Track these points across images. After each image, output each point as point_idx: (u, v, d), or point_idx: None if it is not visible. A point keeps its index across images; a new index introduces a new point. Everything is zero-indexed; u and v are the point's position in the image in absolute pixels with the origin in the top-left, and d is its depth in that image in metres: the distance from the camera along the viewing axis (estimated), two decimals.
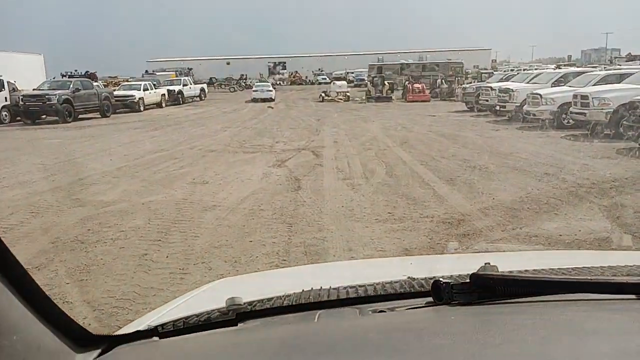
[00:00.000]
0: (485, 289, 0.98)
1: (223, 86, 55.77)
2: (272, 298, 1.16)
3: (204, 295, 1.54)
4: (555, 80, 18.41)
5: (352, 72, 60.68)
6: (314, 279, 1.39)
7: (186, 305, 1.37)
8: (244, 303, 1.09)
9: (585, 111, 13.69)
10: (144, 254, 5.28)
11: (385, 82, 33.58)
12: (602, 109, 13.21)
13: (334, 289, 1.17)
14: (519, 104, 18.17)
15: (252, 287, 1.57)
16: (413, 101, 30.98)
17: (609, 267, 1.25)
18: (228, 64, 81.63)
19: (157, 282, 4.52)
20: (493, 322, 0.91)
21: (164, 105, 30.32)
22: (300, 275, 1.92)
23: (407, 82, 36.17)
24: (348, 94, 34.64)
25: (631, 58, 53.40)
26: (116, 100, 26.58)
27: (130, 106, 27.07)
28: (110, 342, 0.94)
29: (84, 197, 7.97)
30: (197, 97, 34.69)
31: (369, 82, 34.66)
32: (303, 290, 1.17)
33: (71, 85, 22.37)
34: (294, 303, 1.12)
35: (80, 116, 23.46)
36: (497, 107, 19.47)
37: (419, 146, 12.83)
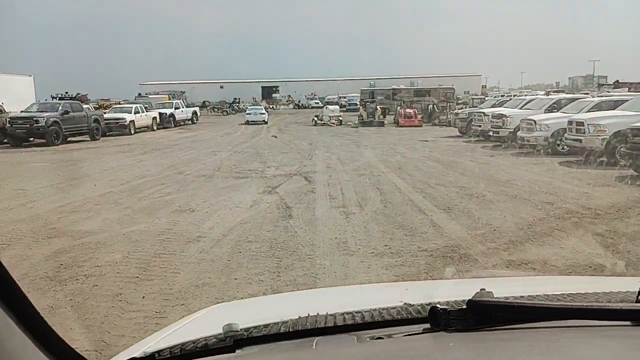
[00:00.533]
0: (482, 316, 0.98)
1: (216, 110, 55.61)
2: (269, 324, 1.14)
3: (200, 321, 1.53)
4: (549, 107, 18.24)
5: (345, 97, 60.88)
6: (310, 304, 1.37)
7: (182, 331, 1.35)
8: (241, 329, 1.07)
9: (581, 137, 13.44)
10: (118, 294, 4.78)
11: (378, 107, 33.50)
12: (598, 135, 12.96)
13: (330, 315, 1.15)
14: (512, 130, 17.96)
15: (248, 313, 1.54)
16: (405, 126, 30.84)
17: (603, 293, 1.24)
18: (221, 87, 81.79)
19: (130, 329, 4.02)
20: (491, 349, 0.92)
21: (155, 128, 29.91)
22: (296, 301, 1.89)
23: (399, 107, 36.13)
24: (340, 118, 34.49)
25: (618, 85, 54.03)
26: (107, 123, 26.15)
27: (121, 129, 26.63)
28: None
29: (61, 227, 7.46)
30: (189, 120, 34.34)
31: (361, 107, 34.58)
32: (300, 316, 1.15)
33: (60, 108, 21.92)
34: (291, 329, 1.10)
35: (70, 139, 23.00)
36: (491, 133, 19.25)
37: (414, 172, 12.46)
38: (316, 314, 1.16)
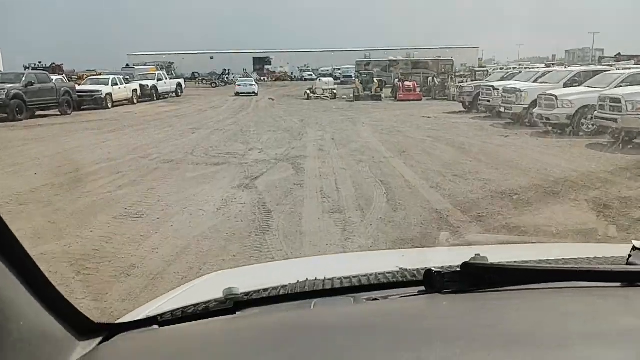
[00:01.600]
0: (476, 278, 1.00)
1: (205, 81, 52.82)
2: (269, 288, 1.14)
3: (201, 287, 1.53)
4: (569, 80, 16.07)
5: (339, 69, 58.11)
6: (309, 270, 1.32)
7: (184, 296, 1.36)
8: (241, 293, 1.07)
9: (617, 117, 11.33)
10: None
11: (375, 80, 31.13)
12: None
13: (328, 279, 1.17)
14: (527, 106, 15.82)
15: (248, 279, 1.56)
16: (404, 100, 28.58)
17: (595, 257, 1.25)
18: (212, 58, 78.55)
19: None
20: (483, 307, 0.96)
21: (135, 101, 27.45)
22: (295, 268, 1.87)
23: (397, 80, 33.73)
24: (335, 91, 32.11)
25: (620, 58, 51.75)
26: (80, 96, 23.72)
27: (97, 102, 24.19)
28: (111, 330, 0.95)
29: None
30: (173, 92, 31.82)
31: (356, 80, 32.17)
32: (298, 280, 1.16)
33: (23, 79, 19.46)
34: (290, 292, 1.11)
35: (38, 113, 20.66)
36: (502, 109, 17.09)
37: (422, 157, 10.36)
38: (315, 278, 1.16)
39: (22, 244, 0.72)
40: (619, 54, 59.00)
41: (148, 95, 29.06)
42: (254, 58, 79.35)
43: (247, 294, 1.10)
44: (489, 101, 18.86)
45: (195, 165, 9.91)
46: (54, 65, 30.19)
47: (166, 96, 31.54)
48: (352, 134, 14.63)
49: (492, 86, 18.82)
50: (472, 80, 30.47)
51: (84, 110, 23.90)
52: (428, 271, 1.03)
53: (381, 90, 31.12)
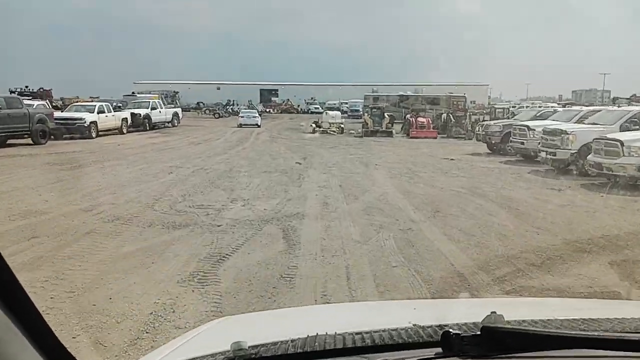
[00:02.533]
0: (496, 342, 0.96)
1: (208, 111, 50.44)
2: (278, 343, 1.08)
3: (207, 336, 1.46)
4: (626, 121, 13.12)
5: (346, 103, 55.68)
6: (318, 322, 1.34)
7: (188, 347, 1.29)
8: (249, 347, 1.03)
9: None
10: None
11: (385, 115, 28.36)
12: None
13: (339, 334, 1.10)
14: (575, 152, 12.84)
15: (255, 329, 1.50)
16: (417, 137, 25.74)
17: (617, 320, 1.19)
18: (218, 89, 76.66)
19: None
20: None
21: (125, 131, 24.74)
22: (304, 317, 1.76)
23: (409, 115, 30.99)
24: (342, 125, 29.38)
25: (635, 99, 49.19)
26: (61, 124, 21.01)
27: (79, 131, 21.47)
28: None
29: None
30: (168, 122, 29.14)
31: (366, 114, 29.43)
32: (308, 335, 1.10)
33: None
34: (300, 350, 1.05)
35: (10, 142, 17.91)
36: (542, 154, 14.09)
37: (467, 224, 7.29)
38: (325, 333, 1.10)
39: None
40: (634, 95, 56.53)
41: (140, 124, 26.36)
42: (260, 90, 77.48)
43: (255, 347, 1.03)
44: (522, 143, 15.89)
45: (146, 227, 6.88)
46: (41, 90, 27.64)
47: (162, 126, 28.87)
48: (364, 180, 11.64)
49: (527, 126, 15.87)
50: (491, 118, 27.73)
51: (65, 139, 21.18)
52: (446, 333, 0.98)
53: (392, 125, 28.35)
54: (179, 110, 30.91)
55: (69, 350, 0.82)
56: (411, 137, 26.01)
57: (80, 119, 21.47)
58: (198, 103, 62.44)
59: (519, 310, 1.49)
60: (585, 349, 0.92)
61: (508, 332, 0.97)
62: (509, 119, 26.74)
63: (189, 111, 57.02)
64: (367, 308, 2.22)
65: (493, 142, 18.61)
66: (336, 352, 1.04)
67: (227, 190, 10.00)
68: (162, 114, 28.23)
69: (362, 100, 49.38)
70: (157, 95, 58.52)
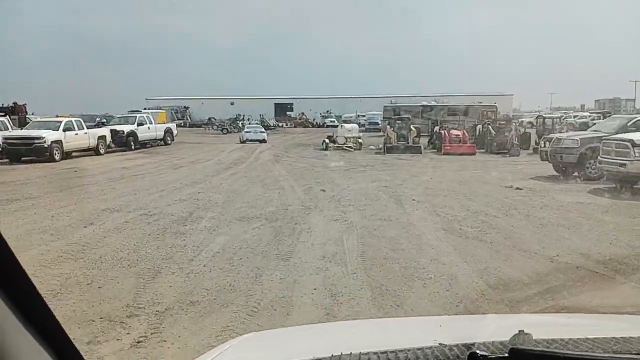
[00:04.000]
0: None
1: (216, 127, 45.99)
2: None
3: (233, 353, 1.42)
4: None
5: (364, 115, 50.66)
6: (341, 339, 1.29)
7: None
8: None
9: None
10: None
11: (412, 127, 23.27)
12: None
13: (364, 354, 1.05)
14: None
15: (278, 346, 1.46)
16: (452, 153, 20.61)
17: None
18: (232, 104, 72.39)
19: None
20: None
21: (102, 151, 20.14)
22: (326, 334, 1.73)
23: (438, 128, 25.87)
24: (360, 140, 24.36)
25: None
26: (15, 144, 16.55)
27: (37, 153, 16.95)
28: None
29: None
30: (160, 140, 24.51)
31: (388, 126, 24.30)
32: (332, 355, 1.05)
33: None
34: None
35: None
36: None
37: None
38: (349, 353, 1.05)
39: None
40: None
41: (123, 143, 21.75)
42: (275, 104, 73.08)
43: None
44: (622, 165, 10.67)
45: None
46: (14, 105, 23.34)
47: (152, 144, 24.27)
48: (402, 236, 6.62)
49: (632, 140, 10.63)
50: (537, 131, 22.45)
51: (24, 162, 16.71)
52: (473, 354, 0.93)
53: (419, 140, 23.28)
54: (172, 125, 26.24)
55: (80, 352, 0.77)
56: (444, 154, 20.88)
57: (39, 137, 16.91)
58: (209, 118, 58.25)
59: (547, 329, 1.36)
60: None
61: (537, 355, 0.89)
62: (561, 131, 21.63)
63: (201, 127, 52.64)
64: (391, 325, 2.07)
65: (565, 161, 13.32)
66: None
67: (147, 274, 5.08)
68: (151, 130, 23.55)
69: (381, 112, 44.51)
70: (163, 112, 54.67)
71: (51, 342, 0.72)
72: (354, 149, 23.15)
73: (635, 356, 0.98)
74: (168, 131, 25.20)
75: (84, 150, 19.43)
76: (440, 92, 73.41)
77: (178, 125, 56.69)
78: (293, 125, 56.11)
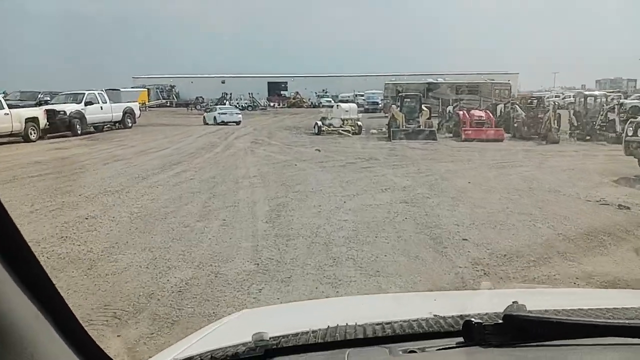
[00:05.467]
0: (519, 331, 0.89)
1: (199, 107, 41.04)
2: (299, 333, 1.02)
3: (228, 328, 1.38)
4: None
5: (362, 95, 45.65)
6: (338, 313, 1.25)
7: (211, 338, 1.21)
8: (270, 338, 0.97)
9: None
10: None
11: (423, 107, 18.57)
12: None
13: (360, 325, 1.02)
14: None
15: (276, 320, 1.40)
16: (474, 139, 16.01)
17: None
18: (223, 82, 66.90)
19: None
20: None
21: (34, 137, 15.46)
22: (324, 309, 1.64)
23: (453, 108, 21.19)
24: (359, 122, 19.64)
25: None
26: None
27: None
28: None
29: None
30: (119, 122, 19.72)
31: (394, 107, 19.48)
32: (329, 326, 1.03)
33: None
34: (321, 340, 0.99)
35: None
36: None
37: None
38: (346, 324, 1.04)
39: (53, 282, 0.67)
40: None
41: (66, 126, 17.01)
42: (268, 82, 67.74)
43: (276, 339, 0.97)
44: None
45: None
46: None
47: (107, 127, 19.53)
48: None
49: None
50: (574, 113, 17.79)
51: None
52: (467, 322, 0.91)
53: (432, 121, 18.63)
54: (134, 105, 21.25)
55: (97, 343, 0.77)
56: (465, 140, 16.27)
57: None
58: (197, 98, 53.20)
59: (541, 300, 1.38)
60: (611, 337, 0.86)
61: (531, 320, 0.88)
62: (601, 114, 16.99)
63: (187, 107, 47.38)
64: (387, 300, 2.07)
65: None
66: (357, 342, 0.98)
67: None
68: (104, 111, 18.70)
69: (381, 91, 39.58)
70: (145, 90, 49.39)
71: (74, 341, 0.71)
72: (352, 133, 18.51)
73: (629, 322, 0.92)
74: (128, 112, 20.32)
75: (5, 135, 14.75)
76: (441, 70, 67.97)
77: (162, 105, 51.94)
78: (287, 105, 51.13)
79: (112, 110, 19.28)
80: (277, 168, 10.24)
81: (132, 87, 52.27)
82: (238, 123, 23.89)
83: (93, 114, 18.09)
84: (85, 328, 0.76)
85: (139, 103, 45.22)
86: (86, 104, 17.87)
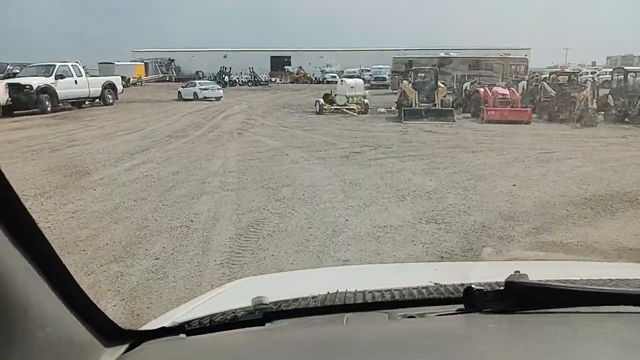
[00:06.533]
0: (520, 297, 0.86)
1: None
2: (298, 299, 1.01)
3: (229, 294, 1.36)
4: None
5: (368, 70, 42.75)
6: (339, 281, 1.20)
7: (211, 303, 1.20)
8: (270, 303, 0.95)
9: None
10: None
11: (440, 83, 16.15)
12: None
13: (360, 292, 1.01)
14: None
15: (276, 287, 1.37)
16: (497, 120, 13.67)
17: None
18: (225, 57, 63.97)
19: None
20: (533, 332, 0.82)
21: None
22: (325, 277, 1.59)
23: (469, 84, 18.77)
24: (366, 100, 17.25)
25: None
26: None
27: None
28: (138, 337, 0.86)
29: None
30: (96, 98, 17.41)
31: (405, 83, 16.97)
32: (329, 292, 1.02)
33: None
34: (320, 305, 0.98)
35: None
36: None
37: None
38: (345, 290, 1.02)
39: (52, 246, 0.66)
40: None
41: (33, 102, 14.77)
42: (271, 57, 64.74)
43: (276, 303, 0.96)
44: None
45: None
46: None
47: (87, 103, 17.26)
48: None
49: None
50: (611, 91, 15.32)
51: None
52: (468, 288, 0.88)
53: (449, 100, 16.22)
54: (115, 79, 18.77)
55: (87, 294, 0.73)
56: (486, 121, 13.92)
57: None
58: (197, 72, 50.55)
59: (544, 270, 1.38)
60: (612, 305, 0.85)
61: (532, 287, 0.86)
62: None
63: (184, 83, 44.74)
64: (389, 269, 2.04)
65: None
66: (356, 307, 0.96)
67: None
68: (79, 85, 16.36)
69: (389, 66, 36.84)
70: (141, 64, 46.69)
71: (72, 302, 0.69)
72: (358, 112, 16.17)
73: (630, 290, 0.92)
74: (109, 87, 17.94)
75: None
76: (449, 45, 64.58)
77: (162, 80, 49.31)
78: (290, 81, 48.45)
79: (90, 85, 16.94)
80: (263, 159, 8.01)
81: (131, 61, 49.73)
82: (218, 99, 22.72)
83: (66, 88, 15.78)
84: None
85: (135, 77, 43.06)
86: (57, 77, 15.55)
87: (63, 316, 0.68)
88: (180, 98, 23.12)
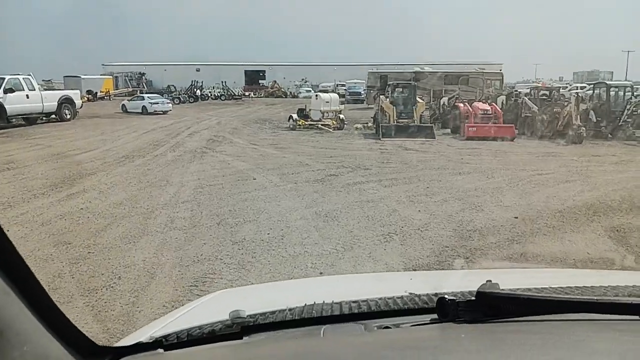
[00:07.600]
0: (491, 307, 0.88)
1: (166, 96, 37.04)
2: (276, 311, 1.00)
3: (206, 307, 1.35)
4: None
5: (343, 85, 42.25)
6: (315, 292, 1.17)
7: (189, 316, 1.18)
8: (247, 315, 0.95)
9: None
10: None
11: (418, 99, 15.38)
12: None
13: (336, 303, 1.02)
14: None
15: (253, 300, 1.34)
16: (479, 138, 12.93)
17: (610, 287, 1.10)
18: (198, 70, 62.55)
19: None
20: (503, 341, 0.84)
21: None
22: (302, 289, 1.58)
23: (447, 100, 18.07)
24: (341, 115, 16.32)
25: None
26: None
27: None
28: (114, 353, 0.85)
29: None
30: (52, 114, 15.96)
31: (382, 98, 16.10)
32: (306, 304, 1.02)
33: None
34: (297, 317, 0.98)
35: None
36: None
37: None
38: (322, 301, 1.03)
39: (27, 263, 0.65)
40: None
41: None
42: (245, 71, 63.67)
43: (253, 316, 0.95)
44: None
45: None
46: None
47: (41, 119, 15.79)
48: None
49: None
50: (600, 106, 14.79)
51: None
52: (441, 299, 0.89)
53: (428, 116, 15.46)
54: (73, 94, 17.35)
55: (64, 312, 0.71)
56: (468, 138, 13.17)
57: None
58: (168, 86, 49.00)
59: (514, 279, 1.37)
60: (579, 313, 0.86)
61: (503, 297, 0.88)
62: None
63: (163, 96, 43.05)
64: (364, 279, 2.01)
65: None
66: (333, 319, 0.97)
67: None
68: (31, 100, 14.91)
69: (364, 81, 36.25)
70: (110, 78, 44.94)
71: (48, 319, 0.68)
72: (334, 128, 15.24)
73: (596, 298, 0.91)
74: (65, 102, 16.51)
75: None
76: (422, 60, 64.87)
77: (130, 94, 47.60)
78: (264, 95, 47.45)
79: (44, 100, 15.49)
80: (225, 185, 6.90)
81: (100, 75, 47.93)
82: (165, 112, 22.80)
83: (16, 103, 14.33)
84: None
85: (103, 91, 41.29)
86: (6, 91, 14.10)
87: (40, 335, 0.67)
88: (124, 111, 22.68)
